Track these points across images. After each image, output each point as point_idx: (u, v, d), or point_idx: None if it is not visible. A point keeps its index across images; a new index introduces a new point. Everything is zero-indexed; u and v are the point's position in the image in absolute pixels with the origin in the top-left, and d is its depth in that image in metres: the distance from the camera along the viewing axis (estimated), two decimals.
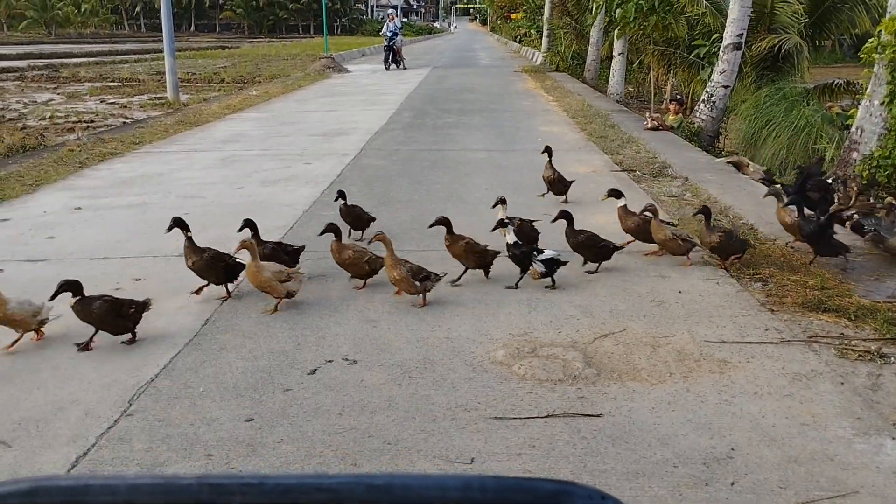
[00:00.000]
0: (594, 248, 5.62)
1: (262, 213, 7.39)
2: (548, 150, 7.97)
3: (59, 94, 21.06)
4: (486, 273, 5.55)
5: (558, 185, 7.89)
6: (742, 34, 12.83)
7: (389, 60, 28.96)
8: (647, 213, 5.86)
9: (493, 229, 5.51)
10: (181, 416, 3.58)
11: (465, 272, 5.49)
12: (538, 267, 5.23)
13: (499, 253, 5.50)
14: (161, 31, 18.15)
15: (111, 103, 18.63)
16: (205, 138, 12.24)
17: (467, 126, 13.72)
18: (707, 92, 13.58)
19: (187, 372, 4.04)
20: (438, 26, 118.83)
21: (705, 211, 5.83)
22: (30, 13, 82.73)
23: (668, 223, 6.19)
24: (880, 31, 8.16)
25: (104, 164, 9.96)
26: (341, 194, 6.50)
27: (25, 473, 3.13)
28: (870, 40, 8.29)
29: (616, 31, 18.59)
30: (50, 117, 15.76)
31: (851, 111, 11.40)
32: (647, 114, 14.24)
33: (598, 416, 3.59)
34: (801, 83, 14.51)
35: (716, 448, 3.31)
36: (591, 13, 21.29)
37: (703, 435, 3.42)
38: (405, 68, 28.92)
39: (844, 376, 3.96)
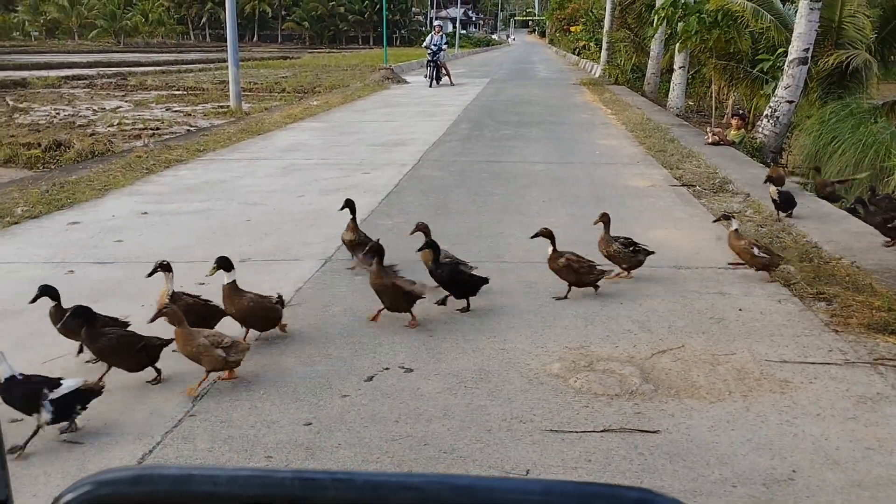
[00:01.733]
0: (126, 353, 3.92)
1: (321, 221, 7.51)
2: (349, 206, 5.82)
3: (126, 101, 21.74)
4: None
5: (360, 249, 5.56)
6: (808, 49, 12.57)
7: (433, 77, 25.42)
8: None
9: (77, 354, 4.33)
10: (242, 417, 3.66)
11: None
12: (45, 414, 3.35)
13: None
14: (225, 42, 18.58)
15: (176, 111, 19.17)
16: (266, 147, 12.48)
17: (525, 138, 13.72)
18: (770, 107, 13.33)
19: (248, 375, 4.13)
20: (497, 38, 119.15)
21: (430, 244, 5.13)
22: (100, 22, 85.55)
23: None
24: None
25: (169, 171, 10.24)
26: (48, 292, 4.18)
27: (94, 468, 3.24)
28: None
29: (678, 45, 18.39)
30: (118, 124, 16.28)
31: None
32: (708, 128, 14.06)
33: (655, 432, 3.56)
34: (868, 99, 14.15)
35: (776, 469, 3.25)
36: (652, 26, 21.12)
37: (763, 455, 3.36)
38: (452, 84, 26.16)
39: None
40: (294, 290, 5.47)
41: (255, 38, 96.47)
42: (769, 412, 3.75)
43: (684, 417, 3.70)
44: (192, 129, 15.56)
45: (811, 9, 12.24)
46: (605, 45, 31.43)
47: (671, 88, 20.22)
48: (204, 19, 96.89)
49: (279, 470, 0.68)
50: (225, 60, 20.74)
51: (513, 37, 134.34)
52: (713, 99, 19.24)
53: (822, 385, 4.04)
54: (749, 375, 4.16)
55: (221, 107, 19.37)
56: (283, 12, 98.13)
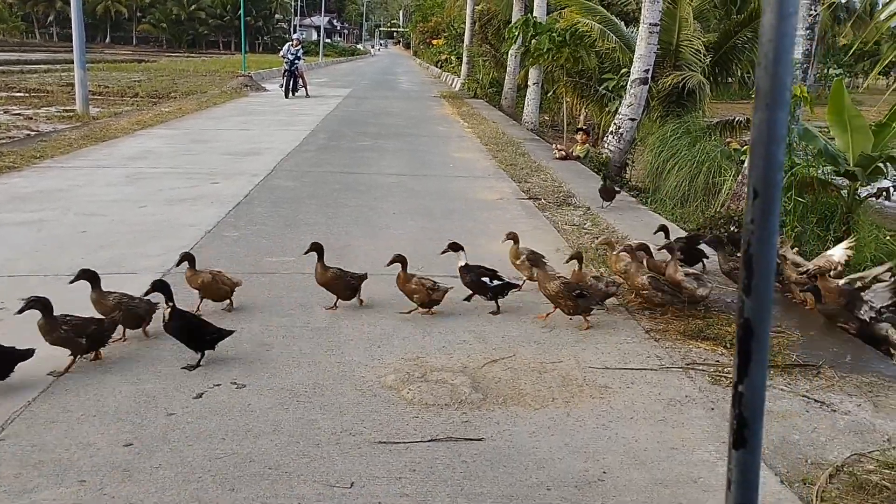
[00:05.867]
0: None
1: (163, 233, 7.29)
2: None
3: None
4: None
5: None
6: (648, 70, 13.33)
7: (289, 87, 24.89)
8: None
9: None
10: (56, 440, 3.50)
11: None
12: None
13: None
14: None
15: (16, 114, 18.03)
16: (111, 154, 11.96)
17: (382, 150, 13.80)
18: (615, 124, 14.03)
19: (67, 395, 3.95)
20: (362, 48, 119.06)
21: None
22: None
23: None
24: None
25: None
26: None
27: None
28: None
29: (528, 61, 19.03)
30: None
31: (746, 147, 11.97)
32: (555, 144, 14.60)
33: (479, 440, 3.67)
34: (703, 118, 15.11)
35: (589, 471, 3.43)
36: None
37: (578, 458, 3.54)
38: (308, 95, 25.51)
39: (715, 402, 4.16)
40: None
41: (107, 40, 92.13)
42: (588, 417, 3.95)
43: (509, 424, 3.84)
44: (31, 133, 14.67)
45: (650, 32, 13.00)
46: (465, 59, 32.13)
47: (526, 104, 20.88)
48: (51, 17, 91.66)
49: None
50: (73, 61, 19.71)
51: (378, 47, 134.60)
52: (565, 115, 19.99)
53: (637, 390, 4.29)
54: (573, 382, 4.37)
55: (67, 111, 18.38)
56: (139, 14, 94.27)
